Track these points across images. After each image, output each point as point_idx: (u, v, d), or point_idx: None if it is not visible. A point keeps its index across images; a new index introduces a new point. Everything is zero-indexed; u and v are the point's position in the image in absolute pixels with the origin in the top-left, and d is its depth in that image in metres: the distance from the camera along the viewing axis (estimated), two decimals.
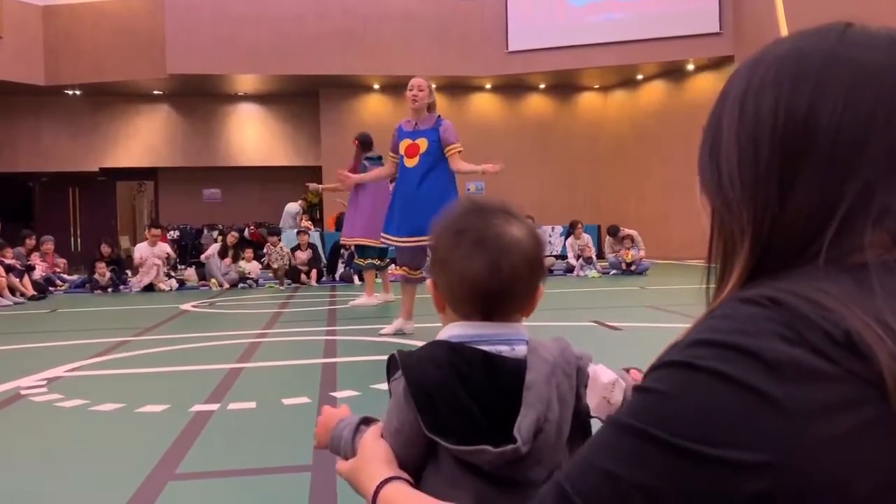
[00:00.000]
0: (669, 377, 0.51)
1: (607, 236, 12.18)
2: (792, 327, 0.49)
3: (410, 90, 5.40)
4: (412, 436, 0.89)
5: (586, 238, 12.04)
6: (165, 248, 11.06)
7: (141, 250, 10.83)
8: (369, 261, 7.28)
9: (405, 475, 0.87)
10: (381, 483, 0.84)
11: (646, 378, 0.54)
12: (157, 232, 11.12)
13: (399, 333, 5.39)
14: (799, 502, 0.46)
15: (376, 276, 7.59)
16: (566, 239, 12.62)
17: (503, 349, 0.92)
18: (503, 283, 0.92)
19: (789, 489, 0.46)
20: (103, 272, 10.72)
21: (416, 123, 5.49)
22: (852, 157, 0.55)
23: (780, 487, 0.47)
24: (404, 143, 5.50)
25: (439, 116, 5.52)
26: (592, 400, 0.93)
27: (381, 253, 7.20)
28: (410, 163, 5.42)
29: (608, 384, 0.94)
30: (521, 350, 0.93)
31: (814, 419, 0.46)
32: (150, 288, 10.57)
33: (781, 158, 0.57)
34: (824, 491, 0.46)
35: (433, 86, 5.60)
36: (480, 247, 0.92)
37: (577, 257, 11.84)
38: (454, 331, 0.94)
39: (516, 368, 0.89)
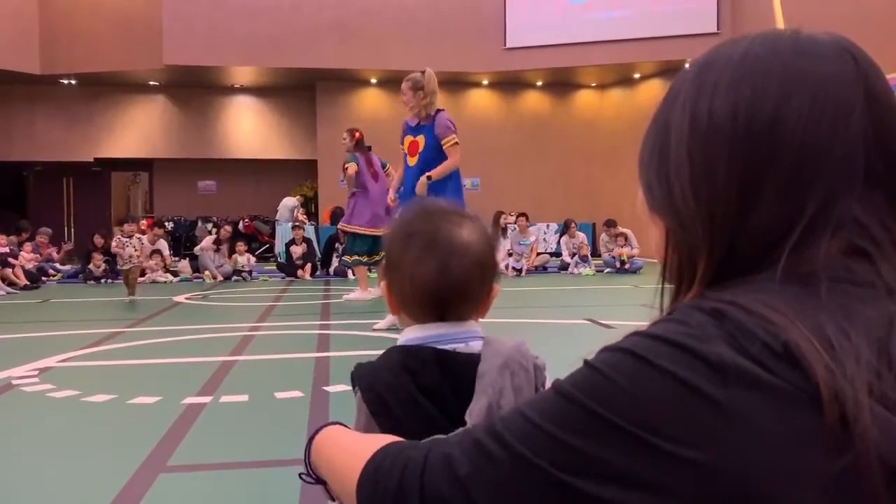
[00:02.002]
0: (619, 363, 0.53)
1: (602, 233, 12.18)
2: (733, 337, 0.50)
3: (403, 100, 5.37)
4: None
5: (581, 237, 12.04)
6: (164, 246, 11.22)
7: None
8: (355, 257, 7.12)
9: (342, 423, 0.89)
10: (315, 431, 0.86)
11: (596, 356, 0.55)
12: (160, 231, 11.39)
13: (393, 328, 5.39)
14: None
15: (370, 271, 7.53)
16: (560, 237, 12.62)
17: (458, 346, 0.93)
18: (454, 286, 0.92)
19: (721, 490, 0.47)
20: (99, 263, 10.74)
21: (419, 120, 5.45)
22: (815, 164, 0.55)
23: (712, 487, 0.48)
24: (407, 140, 5.48)
25: (438, 111, 5.42)
26: None
27: (372, 248, 7.10)
28: (411, 161, 5.40)
29: None
30: (475, 346, 0.93)
31: (752, 425, 0.47)
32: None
33: (742, 170, 0.56)
34: (756, 498, 0.47)
35: (425, 76, 5.40)
36: (430, 250, 0.92)
37: (572, 255, 11.85)
38: (409, 335, 0.95)
39: (470, 362, 0.89)
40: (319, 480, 0.84)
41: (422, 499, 0.58)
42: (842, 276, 0.53)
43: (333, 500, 0.83)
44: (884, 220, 0.56)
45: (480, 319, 1.00)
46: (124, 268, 8.09)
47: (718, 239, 0.58)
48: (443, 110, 5.47)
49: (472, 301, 0.96)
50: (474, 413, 0.84)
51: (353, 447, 0.73)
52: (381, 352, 0.98)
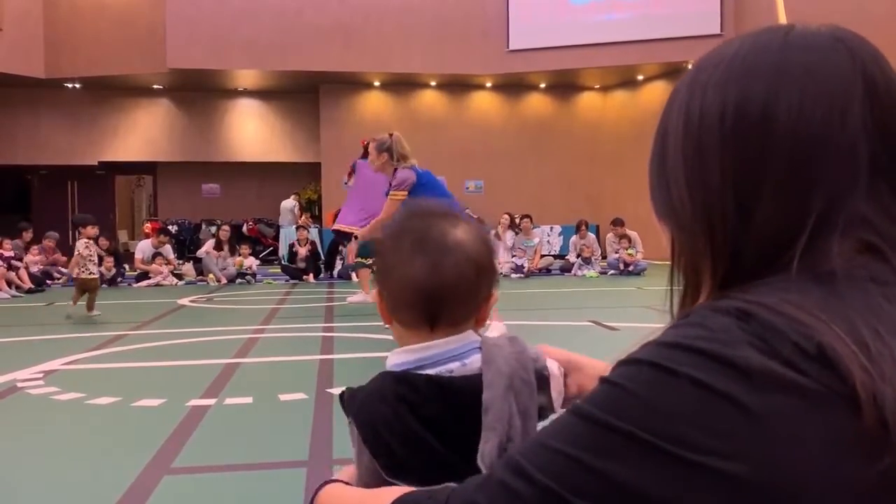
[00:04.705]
0: (639, 376, 0.50)
1: (609, 232, 12.14)
2: (763, 339, 0.48)
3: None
4: (381, 475, 0.82)
5: (591, 238, 12.05)
6: (168, 250, 11.32)
7: (144, 250, 11.03)
8: (358, 260, 7.14)
9: (342, 479, 0.85)
10: (315, 490, 0.83)
11: (613, 371, 0.53)
12: (165, 239, 11.47)
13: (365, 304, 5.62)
14: None
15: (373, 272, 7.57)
16: (571, 238, 12.59)
17: (453, 366, 0.85)
18: (446, 285, 0.85)
19: (755, 499, 0.46)
20: (110, 266, 10.81)
21: (389, 180, 5.54)
22: (813, 158, 0.53)
23: (748, 496, 0.46)
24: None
25: (398, 168, 5.42)
26: (553, 398, 0.89)
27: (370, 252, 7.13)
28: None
29: (559, 377, 0.91)
30: (473, 363, 0.85)
31: (786, 429, 0.46)
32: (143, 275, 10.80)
33: (735, 169, 0.55)
34: (793, 502, 0.45)
35: (388, 138, 5.46)
36: (421, 248, 0.86)
37: (578, 255, 11.86)
38: (396, 359, 0.88)
39: (469, 386, 0.82)
40: None
41: None
42: (861, 274, 0.52)
43: None
44: (893, 215, 0.54)
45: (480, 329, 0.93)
46: (79, 271, 6.94)
47: (720, 241, 0.56)
48: (407, 168, 5.39)
49: (467, 304, 0.88)
50: (486, 455, 0.77)
51: None
52: (385, 354, 0.93)
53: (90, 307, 6.87)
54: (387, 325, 0.93)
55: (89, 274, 6.83)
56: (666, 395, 0.48)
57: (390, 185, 5.43)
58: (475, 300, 0.89)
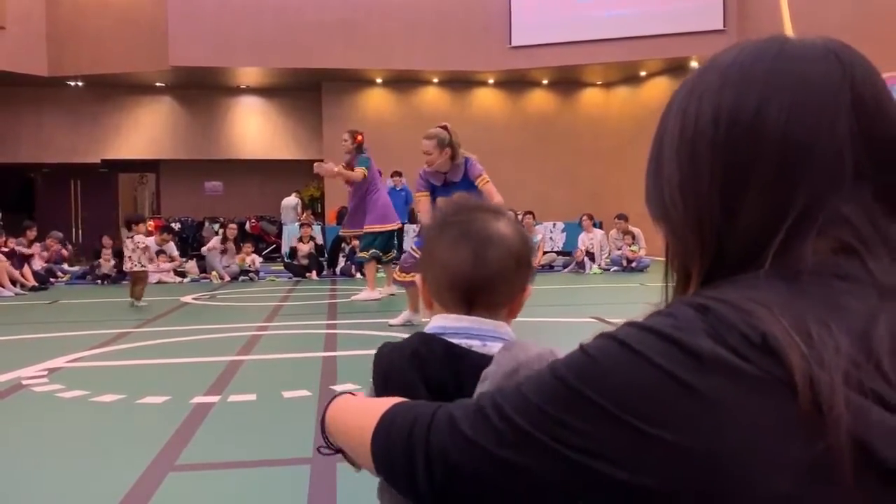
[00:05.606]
0: (606, 348, 0.56)
1: (612, 228, 12.12)
2: (715, 329, 0.52)
3: (424, 154, 5.26)
4: None
5: (598, 234, 12.02)
6: (172, 248, 11.34)
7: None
8: (374, 250, 7.11)
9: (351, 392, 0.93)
10: (327, 403, 0.91)
11: (592, 341, 0.59)
12: (168, 237, 11.51)
13: (408, 325, 5.49)
14: (709, 490, 0.50)
15: (378, 270, 7.48)
16: (580, 235, 12.57)
17: (474, 343, 0.92)
18: (486, 274, 0.92)
19: (694, 473, 0.50)
20: (108, 258, 10.87)
21: (445, 177, 5.36)
22: (799, 164, 0.56)
23: (684, 468, 0.50)
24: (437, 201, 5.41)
25: (465, 159, 5.29)
26: None
27: (387, 246, 7.13)
28: None
29: None
30: (493, 347, 0.91)
31: (727, 411, 0.49)
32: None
33: (724, 173, 0.58)
34: (730, 481, 0.49)
35: (445, 131, 5.25)
36: (465, 238, 0.93)
37: (585, 253, 11.84)
38: (433, 322, 0.96)
39: (480, 363, 0.87)
40: (338, 450, 0.88)
41: (427, 452, 0.63)
42: (827, 271, 0.55)
43: (354, 464, 0.86)
44: (873, 217, 0.57)
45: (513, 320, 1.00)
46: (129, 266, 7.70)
47: (709, 243, 0.60)
48: (469, 157, 5.33)
49: (504, 294, 0.95)
50: None
51: (364, 410, 0.78)
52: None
53: (138, 297, 7.58)
54: (428, 308, 1.01)
55: (141, 267, 7.67)
56: (623, 368, 0.54)
57: (465, 176, 5.26)
58: (511, 291, 0.96)
